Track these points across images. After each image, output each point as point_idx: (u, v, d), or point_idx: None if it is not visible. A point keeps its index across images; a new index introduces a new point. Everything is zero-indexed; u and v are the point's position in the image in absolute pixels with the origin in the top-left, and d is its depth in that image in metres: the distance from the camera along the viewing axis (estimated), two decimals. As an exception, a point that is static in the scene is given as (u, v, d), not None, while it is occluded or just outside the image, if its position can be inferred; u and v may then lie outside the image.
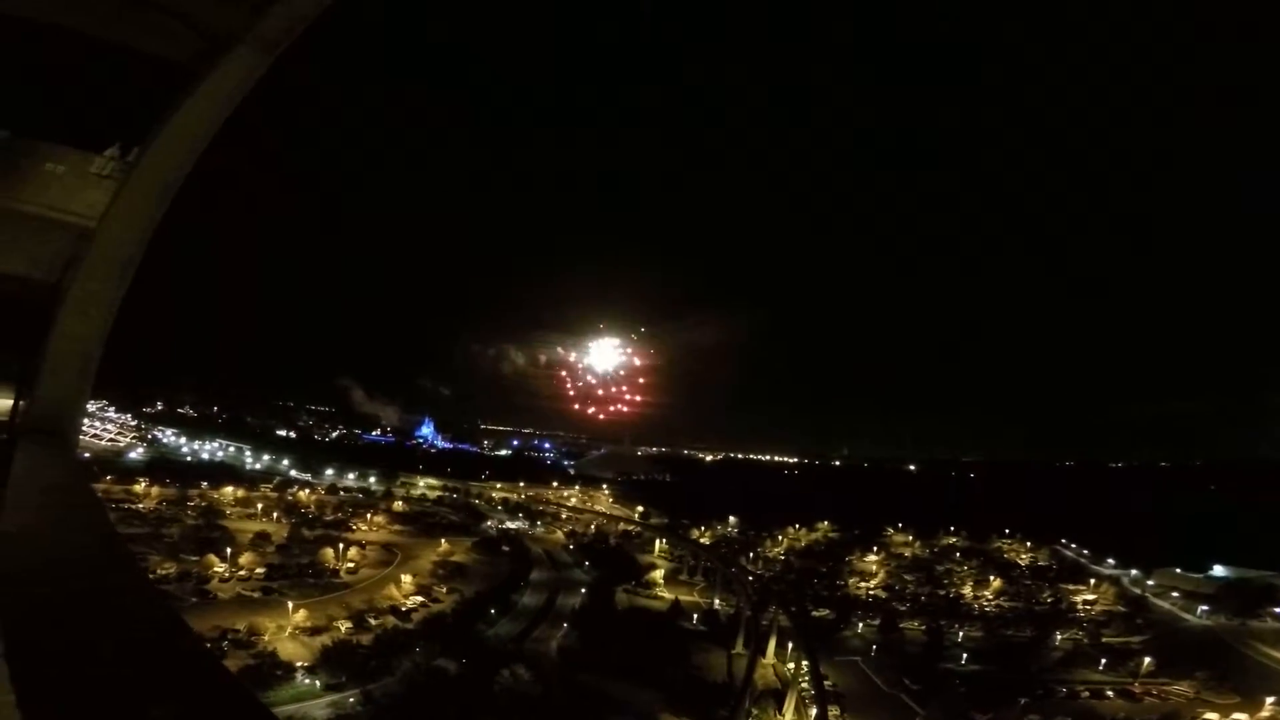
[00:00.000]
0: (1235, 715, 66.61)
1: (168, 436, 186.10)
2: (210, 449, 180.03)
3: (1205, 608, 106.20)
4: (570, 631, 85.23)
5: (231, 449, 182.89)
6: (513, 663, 71.40)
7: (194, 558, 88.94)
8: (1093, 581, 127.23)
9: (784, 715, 65.91)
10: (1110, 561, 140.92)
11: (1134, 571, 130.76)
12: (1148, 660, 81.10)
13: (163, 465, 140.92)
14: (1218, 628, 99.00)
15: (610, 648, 76.29)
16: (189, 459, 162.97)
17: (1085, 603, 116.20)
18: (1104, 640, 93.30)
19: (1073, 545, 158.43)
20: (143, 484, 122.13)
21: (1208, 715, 67.03)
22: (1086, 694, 75.12)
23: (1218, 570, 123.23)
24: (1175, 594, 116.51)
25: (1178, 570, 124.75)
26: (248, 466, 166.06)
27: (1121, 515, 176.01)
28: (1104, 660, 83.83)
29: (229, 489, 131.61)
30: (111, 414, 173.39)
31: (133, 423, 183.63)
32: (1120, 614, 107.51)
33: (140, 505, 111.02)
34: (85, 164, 7.88)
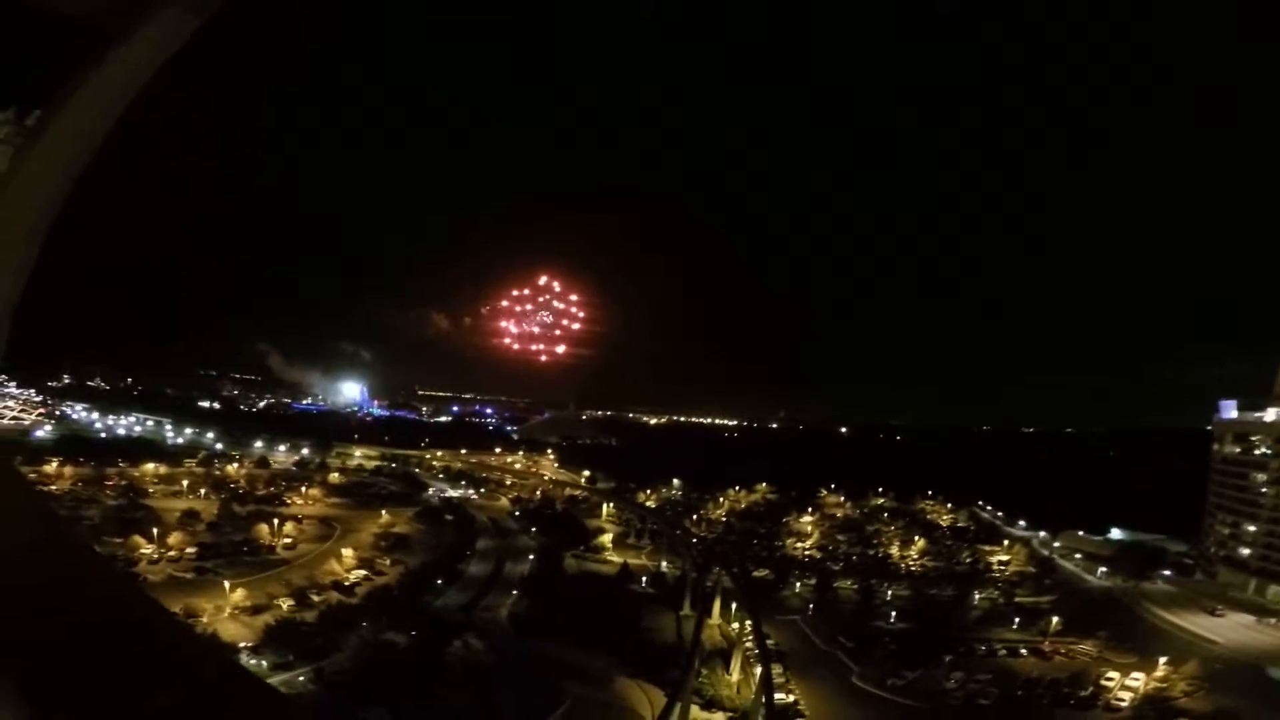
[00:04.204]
0: (1133, 674, 72.99)
1: (78, 412, 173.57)
2: (126, 424, 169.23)
3: (1104, 569, 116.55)
4: (520, 599, 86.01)
5: (150, 423, 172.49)
6: (464, 632, 71.86)
7: (117, 540, 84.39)
8: (1006, 543, 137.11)
9: (731, 674, 69.08)
10: (1022, 524, 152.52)
11: (1042, 534, 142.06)
12: (1055, 619, 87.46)
13: (75, 443, 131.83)
14: (1115, 588, 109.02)
15: (561, 613, 77.61)
16: (104, 435, 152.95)
17: (1000, 563, 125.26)
18: (1017, 600, 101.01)
19: (989, 507, 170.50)
20: (54, 464, 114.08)
21: (1110, 673, 73.14)
22: (1003, 652, 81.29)
23: (1115, 533, 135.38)
24: (1078, 556, 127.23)
25: (1080, 533, 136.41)
26: (169, 441, 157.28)
27: (1032, 479, 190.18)
28: (1017, 619, 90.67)
29: (150, 466, 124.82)
30: (13, 390, 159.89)
31: (37, 399, 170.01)
32: (1031, 574, 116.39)
33: (53, 487, 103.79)
34: None
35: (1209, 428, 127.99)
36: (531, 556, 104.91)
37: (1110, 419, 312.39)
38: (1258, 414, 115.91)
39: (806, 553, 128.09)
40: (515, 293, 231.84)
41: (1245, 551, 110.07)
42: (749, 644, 74.72)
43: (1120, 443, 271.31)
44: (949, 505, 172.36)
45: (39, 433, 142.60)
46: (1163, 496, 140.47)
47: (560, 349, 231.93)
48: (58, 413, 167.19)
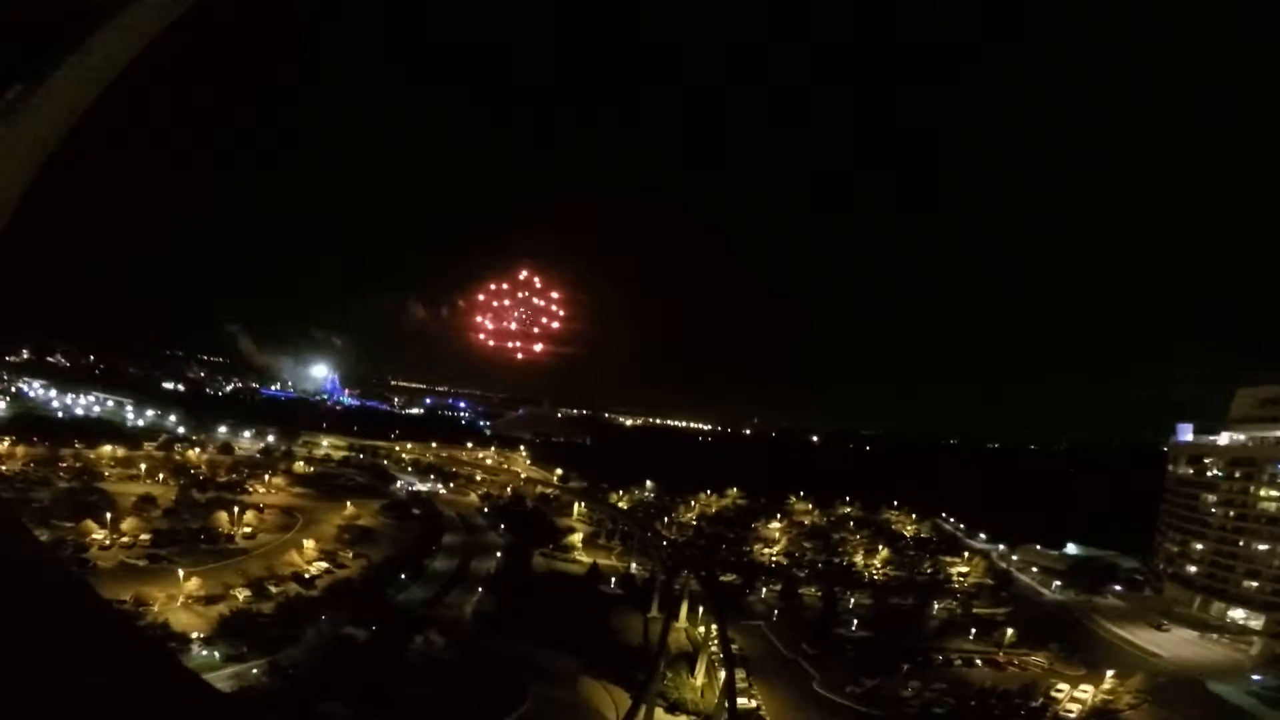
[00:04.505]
0: (1082, 686, 75.34)
1: (34, 389, 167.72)
2: (85, 404, 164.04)
3: (1059, 583, 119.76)
4: (485, 596, 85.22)
5: (110, 403, 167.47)
6: (426, 628, 70.91)
7: (68, 524, 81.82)
8: (966, 555, 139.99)
9: (696, 678, 69.33)
10: (982, 536, 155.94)
11: (1001, 546, 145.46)
12: (1010, 631, 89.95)
13: (29, 422, 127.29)
14: (1068, 602, 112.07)
15: (527, 612, 77.10)
16: (60, 415, 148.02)
17: (960, 575, 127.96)
18: (974, 611, 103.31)
19: (951, 519, 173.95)
20: (5, 443, 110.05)
21: (1060, 685, 75.39)
22: (959, 662, 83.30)
23: (1071, 548, 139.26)
24: (1035, 569, 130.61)
25: (1038, 547, 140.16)
26: (129, 423, 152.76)
27: (994, 492, 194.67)
28: (974, 630, 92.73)
29: (107, 448, 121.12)
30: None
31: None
32: (989, 586, 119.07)
33: (2, 467, 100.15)
34: None
35: (1165, 448, 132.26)
36: (499, 554, 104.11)
37: (1072, 434, 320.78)
38: (1211, 437, 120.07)
39: (774, 559, 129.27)
40: (495, 286, 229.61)
41: (1192, 569, 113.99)
42: (714, 648, 75.12)
43: (1080, 458, 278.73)
44: (913, 516, 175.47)
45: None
46: (1118, 512, 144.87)
47: (538, 346, 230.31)
48: (12, 390, 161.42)
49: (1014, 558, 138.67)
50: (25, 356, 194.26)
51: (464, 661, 65.72)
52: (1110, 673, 76.31)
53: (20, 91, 7.22)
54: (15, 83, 7.26)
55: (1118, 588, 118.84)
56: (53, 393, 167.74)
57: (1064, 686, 74.69)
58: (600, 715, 61.36)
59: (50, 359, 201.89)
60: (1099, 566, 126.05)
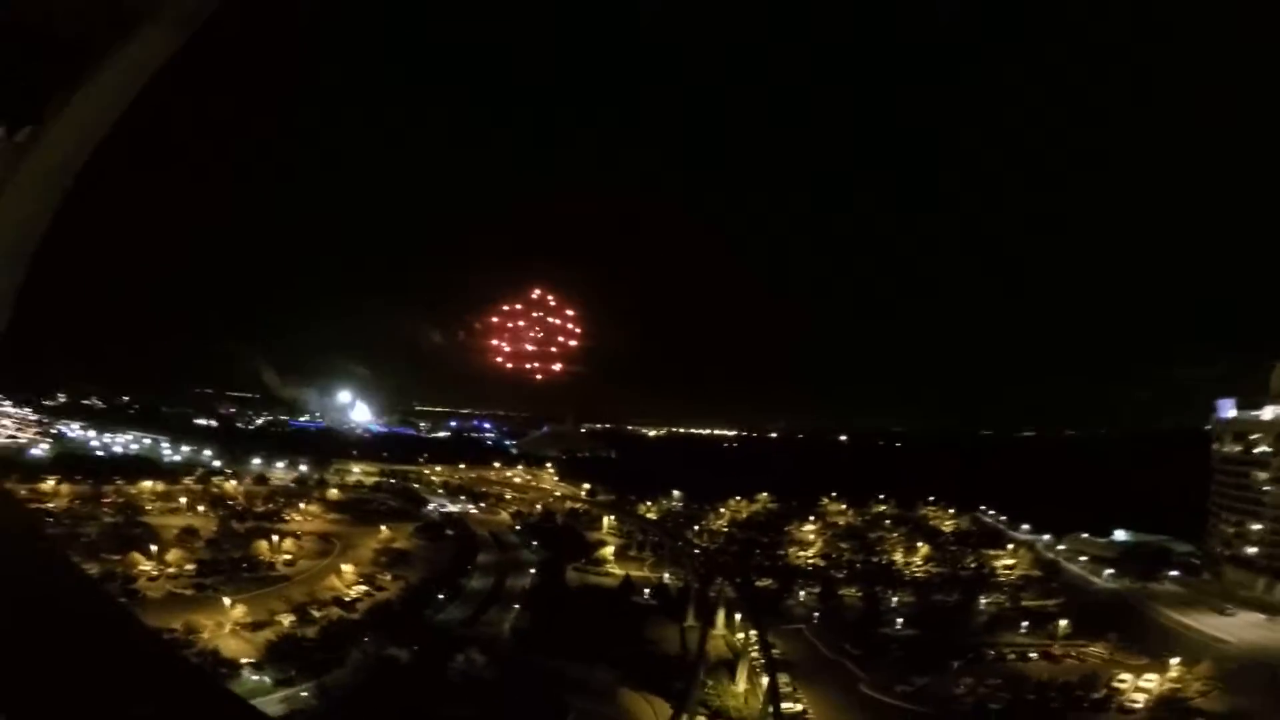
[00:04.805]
0: (1146, 675, 72.68)
1: (74, 430, 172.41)
2: (123, 442, 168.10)
3: (1110, 571, 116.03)
4: (522, 613, 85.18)
5: (147, 441, 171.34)
6: (466, 647, 71.01)
7: (116, 557, 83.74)
8: (1010, 547, 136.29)
9: (737, 685, 68.31)
10: (1025, 528, 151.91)
11: (1046, 537, 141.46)
12: (1064, 623, 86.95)
13: (71, 461, 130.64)
14: (1123, 590, 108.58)
15: (564, 627, 76.83)
16: (100, 453, 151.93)
17: (1005, 567, 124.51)
18: (1024, 603, 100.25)
19: (991, 512, 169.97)
20: (51, 482, 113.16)
21: (1122, 675, 72.81)
22: (1013, 656, 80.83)
23: (1119, 535, 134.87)
24: (1083, 558, 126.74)
25: (1085, 535, 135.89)
26: (166, 459, 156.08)
27: (1034, 483, 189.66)
28: (1025, 623, 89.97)
29: (147, 483, 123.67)
30: (8, 409, 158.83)
31: (33, 417, 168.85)
32: (1036, 578, 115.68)
33: (50, 505, 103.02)
34: None
35: (1208, 427, 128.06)
36: (533, 570, 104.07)
37: (1109, 421, 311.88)
38: (1255, 413, 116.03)
39: (810, 561, 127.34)
40: (511, 306, 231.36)
41: (1252, 550, 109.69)
42: (755, 654, 73.97)
43: (1120, 444, 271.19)
44: (951, 511, 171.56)
45: (35, 451, 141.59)
46: (1164, 497, 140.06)
47: (557, 364, 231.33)
48: (53, 431, 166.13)
49: (1060, 547, 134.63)
50: (61, 400, 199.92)
51: (504, 679, 65.62)
52: (1175, 660, 73.43)
53: (32, 132, 7.25)
54: (25, 124, 7.28)
55: (1174, 573, 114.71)
56: (91, 433, 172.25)
57: (1127, 676, 72.13)
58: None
59: (85, 401, 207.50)
60: (1151, 552, 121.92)
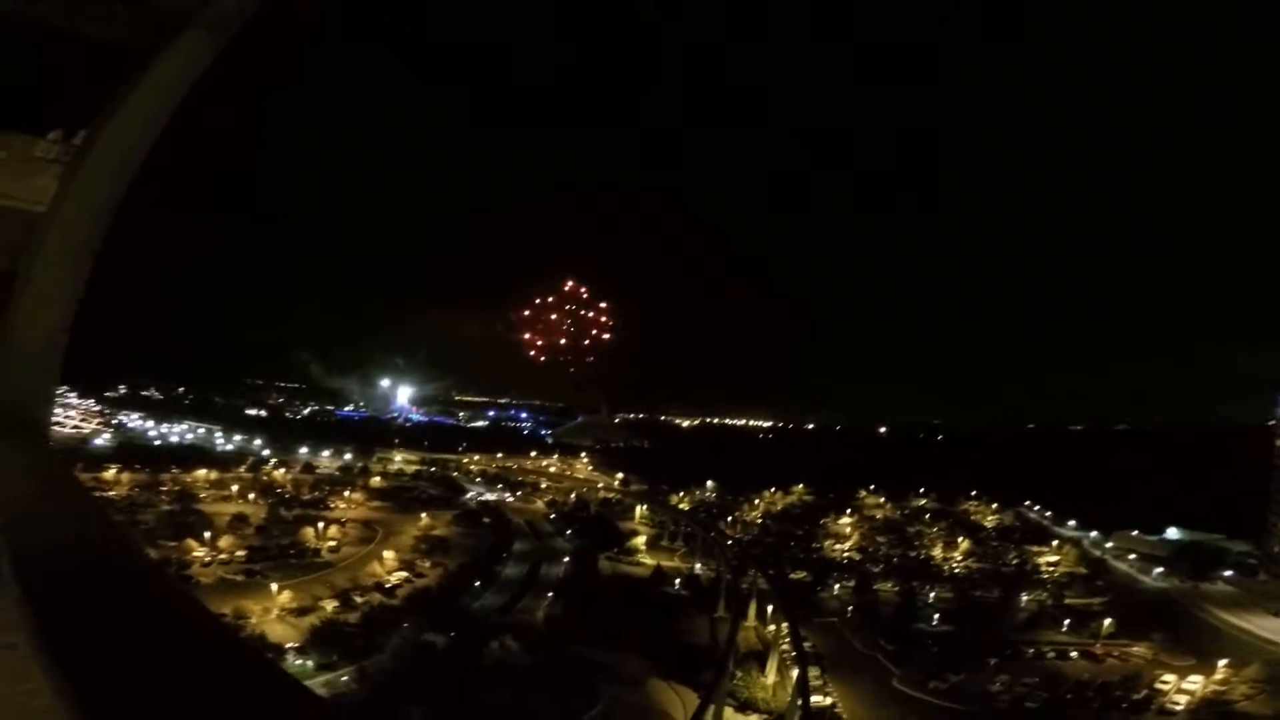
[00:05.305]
0: (1191, 676, 70.25)
1: (134, 421, 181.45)
2: (179, 432, 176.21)
3: (1160, 570, 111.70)
4: (555, 601, 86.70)
5: (201, 431, 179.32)
6: (500, 634, 72.79)
7: (172, 543, 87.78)
8: (1055, 543, 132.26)
9: (767, 677, 68.44)
10: (1071, 524, 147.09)
11: (1094, 534, 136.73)
12: (1108, 621, 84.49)
13: (131, 450, 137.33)
14: (1172, 590, 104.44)
15: (596, 616, 77.97)
16: (158, 443, 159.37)
17: (1049, 564, 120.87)
18: (1066, 601, 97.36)
19: (1036, 507, 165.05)
20: (112, 471, 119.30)
21: (1166, 676, 70.52)
22: (1052, 654, 78.62)
23: (1172, 533, 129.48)
24: (1133, 556, 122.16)
25: (1135, 533, 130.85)
26: (219, 448, 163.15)
27: (1082, 478, 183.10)
28: (1067, 621, 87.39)
29: (201, 472, 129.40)
30: (73, 400, 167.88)
31: (96, 408, 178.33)
32: (1081, 576, 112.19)
33: (112, 492, 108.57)
34: (28, 148, 7.67)
35: (1270, 422, 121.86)
36: (566, 559, 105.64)
37: (1164, 414, 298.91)
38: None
39: (845, 555, 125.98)
40: (548, 298, 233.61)
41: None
42: (786, 646, 73.86)
43: (1175, 438, 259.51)
44: (994, 506, 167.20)
45: (98, 441, 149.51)
46: (1222, 494, 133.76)
47: (592, 355, 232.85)
48: (115, 422, 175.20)
49: (1108, 545, 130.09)
50: (122, 391, 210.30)
51: (537, 665, 67.11)
52: (1223, 662, 70.69)
53: (87, 135, 7.73)
54: (80, 128, 7.79)
55: (1229, 573, 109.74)
56: (149, 423, 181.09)
57: (1170, 677, 69.71)
58: (669, 716, 61.35)
59: (144, 393, 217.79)
60: (1205, 551, 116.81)
